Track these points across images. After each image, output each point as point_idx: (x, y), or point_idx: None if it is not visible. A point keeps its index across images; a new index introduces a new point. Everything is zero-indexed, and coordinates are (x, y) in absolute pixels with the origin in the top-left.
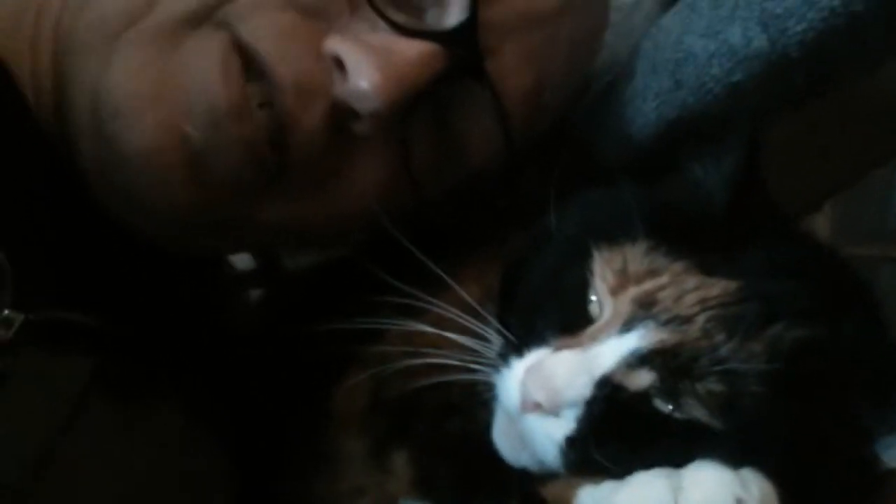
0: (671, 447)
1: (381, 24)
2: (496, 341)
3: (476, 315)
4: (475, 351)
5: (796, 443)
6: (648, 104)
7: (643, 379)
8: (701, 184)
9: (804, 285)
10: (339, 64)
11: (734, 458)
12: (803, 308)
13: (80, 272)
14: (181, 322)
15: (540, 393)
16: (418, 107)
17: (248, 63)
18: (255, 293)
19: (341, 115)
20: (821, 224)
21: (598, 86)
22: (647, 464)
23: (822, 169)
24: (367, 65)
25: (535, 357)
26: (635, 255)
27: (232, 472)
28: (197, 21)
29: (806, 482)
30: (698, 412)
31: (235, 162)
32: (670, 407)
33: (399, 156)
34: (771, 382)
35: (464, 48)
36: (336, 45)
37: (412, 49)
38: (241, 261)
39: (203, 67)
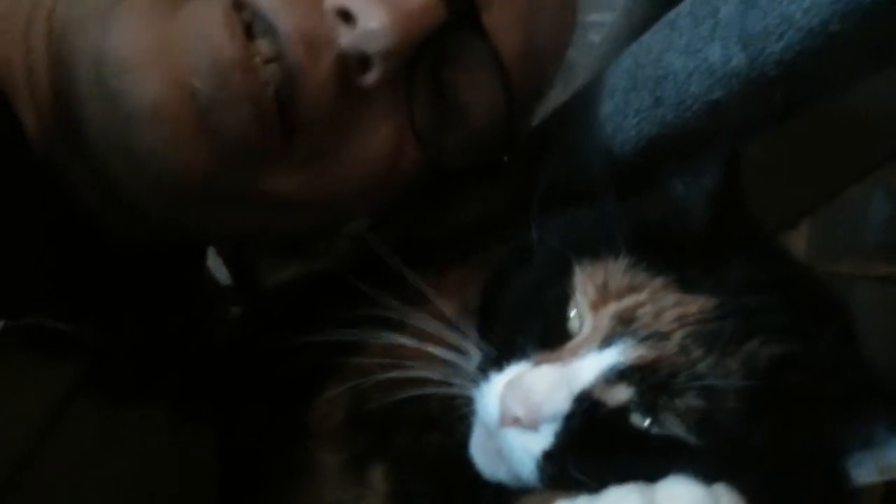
0: (647, 463)
1: None
2: (475, 355)
3: (455, 328)
4: (454, 364)
5: (770, 458)
6: (629, 120)
7: (622, 394)
8: (681, 200)
9: (780, 302)
10: (344, 15)
11: (708, 473)
12: (779, 324)
13: (64, 281)
14: (164, 333)
15: (519, 407)
16: (419, 64)
17: (252, 20)
18: (235, 310)
19: (349, 70)
20: (797, 240)
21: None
22: (623, 479)
23: (798, 186)
24: (376, 6)
25: (515, 371)
26: (616, 271)
27: (213, 484)
28: None
29: (778, 498)
30: (676, 428)
31: (242, 118)
32: (648, 422)
33: (404, 114)
34: (747, 398)
35: (460, 2)
36: None
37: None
38: (220, 275)
39: (206, 24)
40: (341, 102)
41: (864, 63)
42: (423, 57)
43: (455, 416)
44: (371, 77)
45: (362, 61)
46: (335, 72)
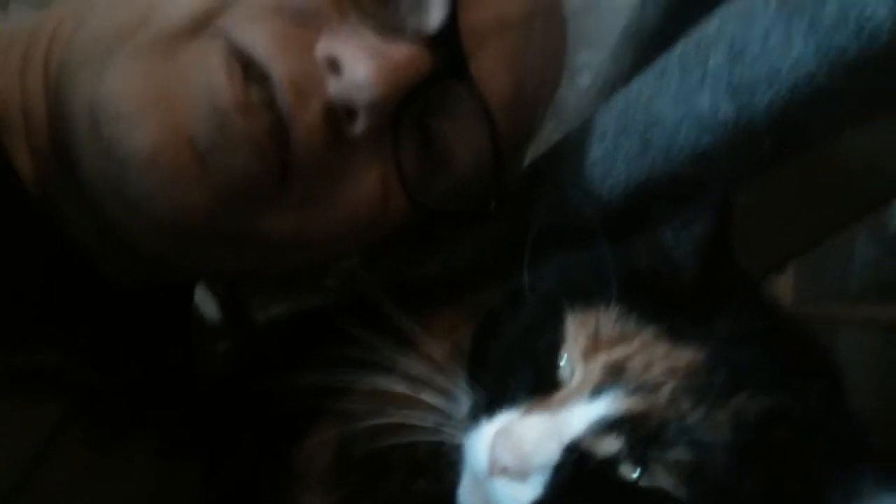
0: None
1: (367, 32)
2: (465, 400)
3: (445, 372)
4: (443, 410)
5: None
6: (618, 165)
7: (611, 445)
8: (671, 249)
9: (769, 355)
10: (333, 65)
11: None
12: (768, 378)
13: (56, 317)
14: (154, 370)
15: (508, 457)
16: (406, 113)
17: (246, 67)
18: (222, 345)
19: (337, 118)
20: (784, 284)
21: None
22: None
23: (786, 231)
24: (363, 57)
25: (505, 420)
26: (608, 320)
27: None
28: (192, 32)
29: None
30: (664, 481)
31: (243, 159)
32: (636, 474)
33: (391, 161)
34: (736, 452)
35: (447, 51)
36: (329, 46)
37: (402, 49)
38: (208, 311)
39: (206, 70)
40: (331, 148)
41: (850, 115)
42: (410, 105)
43: (443, 463)
44: (357, 127)
45: (349, 111)
46: (324, 119)
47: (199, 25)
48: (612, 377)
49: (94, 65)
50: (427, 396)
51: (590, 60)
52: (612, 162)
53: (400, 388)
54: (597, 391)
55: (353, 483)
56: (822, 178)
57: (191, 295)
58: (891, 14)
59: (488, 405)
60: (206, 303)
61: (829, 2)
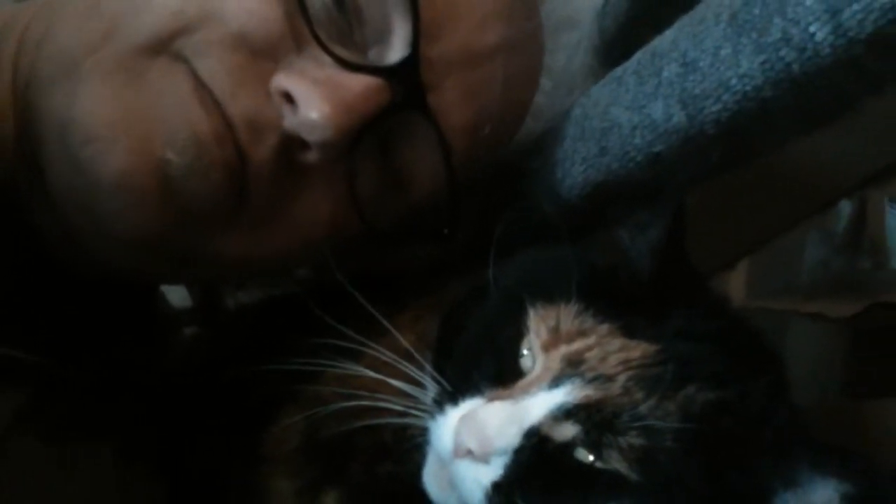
0: (589, 496)
1: (327, 60)
2: (431, 387)
3: (412, 360)
4: (410, 396)
5: (703, 496)
6: (576, 167)
7: (568, 431)
8: (628, 250)
9: (717, 350)
10: (289, 98)
11: None
12: (714, 372)
13: (13, 307)
14: (116, 360)
15: (472, 441)
16: (363, 140)
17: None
18: (189, 331)
19: (292, 146)
20: (736, 280)
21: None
22: None
23: (737, 230)
24: (316, 97)
25: (469, 406)
26: (567, 316)
27: None
28: (154, 51)
29: None
30: (618, 464)
31: (213, 183)
32: (592, 458)
33: (346, 186)
34: (683, 439)
35: (406, 83)
36: (284, 81)
37: (358, 83)
38: (178, 297)
39: (177, 95)
40: (284, 175)
41: (795, 126)
42: (367, 134)
43: (407, 446)
44: (311, 157)
45: (303, 143)
46: (278, 151)
47: (162, 45)
48: (571, 368)
49: (61, 83)
50: (394, 382)
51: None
52: (570, 164)
53: (368, 373)
54: (556, 381)
55: (321, 466)
56: (773, 178)
57: (154, 288)
58: (832, 32)
59: (453, 392)
60: (174, 289)
61: (774, 21)
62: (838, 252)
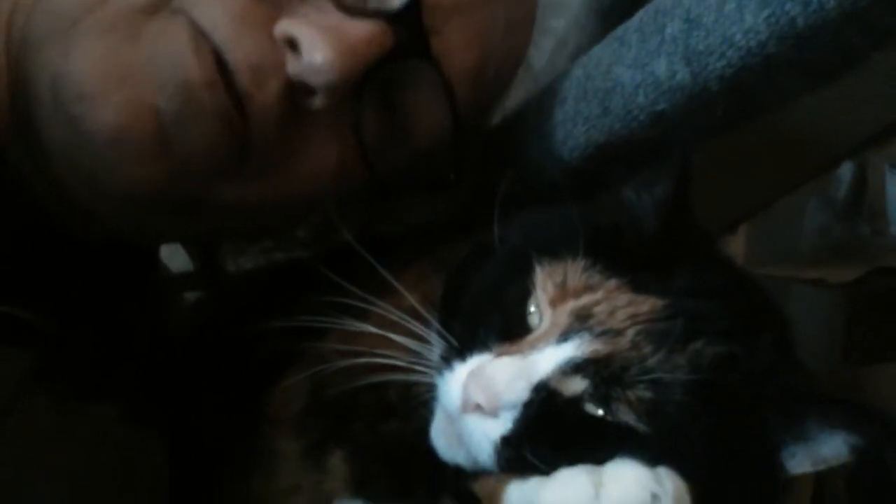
0: (598, 448)
1: (329, 6)
2: (437, 344)
3: (418, 318)
4: (416, 353)
5: (711, 448)
6: (578, 128)
7: (577, 385)
8: (633, 207)
9: (724, 306)
10: (292, 44)
11: (654, 458)
12: (722, 327)
13: (17, 270)
14: (118, 322)
15: (480, 395)
16: (367, 85)
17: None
18: (191, 295)
19: (296, 92)
20: (736, 245)
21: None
22: (575, 463)
23: (737, 194)
24: (321, 40)
25: (478, 362)
26: (575, 271)
27: (168, 472)
28: (153, 8)
29: (717, 484)
30: (627, 416)
31: (205, 133)
32: (601, 411)
33: (351, 132)
34: (692, 392)
35: (409, 28)
36: (288, 26)
37: (361, 28)
38: (180, 262)
39: (173, 45)
40: (289, 122)
41: (800, 83)
42: (371, 80)
43: (413, 403)
44: (316, 103)
45: (307, 89)
46: (282, 96)
47: (161, 2)
48: (579, 323)
49: (56, 41)
50: (401, 339)
51: (556, 26)
52: (572, 125)
53: (374, 331)
54: (564, 335)
55: (326, 426)
56: (773, 143)
57: (154, 250)
58: None
59: (461, 349)
60: (176, 253)
61: None
62: (838, 218)
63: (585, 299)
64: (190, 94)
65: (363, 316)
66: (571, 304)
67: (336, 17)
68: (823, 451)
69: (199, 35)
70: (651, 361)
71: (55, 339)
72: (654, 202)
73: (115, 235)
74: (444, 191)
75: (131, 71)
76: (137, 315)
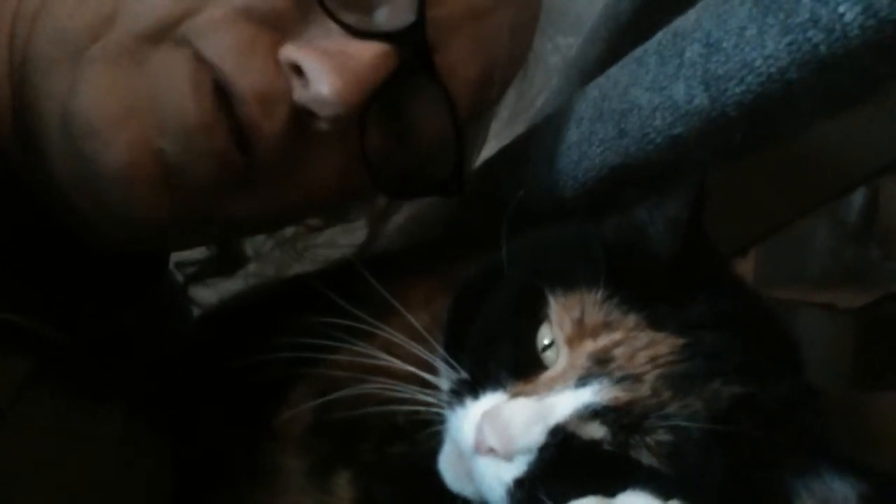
0: (614, 485)
1: (334, 27)
2: (444, 371)
3: (424, 343)
4: (423, 380)
5: (724, 484)
6: (593, 149)
7: (595, 431)
8: (647, 228)
9: (742, 341)
10: (297, 70)
11: (666, 492)
12: (739, 362)
13: (23, 277)
14: (122, 331)
15: (495, 439)
16: (372, 101)
17: (214, 79)
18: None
19: (303, 116)
20: (745, 268)
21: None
22: (587, 495)
23: (748, 217)
24: (327, 71)
25: (492, 402)
26: (592, 305)
27: (169, 479)
28: (158, 37)
29: None
30: (647, 459)
31: (208, 171)
32: (618, 454)
33: (355, 143)
34: (709, 435)
35: (413, 46)
36: (293, 53)
37: (367, 51)
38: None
39: (173, 83)
40: (294, 144)
41: (819, 109)
42: (373, 102)
43: (421, 427)
44: (322, 126)
45: (314, 113)
46: (288, 122)
47: (165, 31)
48: (599, 367)
49: (62, 69)
50: (407, 367)
51: (562, 43)
52: (587, 146)
53: (380, 356)
54: (583, 380)
55: (332, 446)
56: (785, 166)
57: (163, 260)
58: (863, 13)
59: (472, 383)
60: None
61: (802, 0)
62: (849, 242)
63: (605, 340)
64: (188, 138)
65: (369, 339)
66: (590, 346)
67: (340, 40)
68: (832, 495)
69: (201, 69)
70: (671, 408)
71: (58, 345)
72: (667, 223)
73: (126, 245)
74: (444, 197)
75: (137, 104)
76: (142, 322)
